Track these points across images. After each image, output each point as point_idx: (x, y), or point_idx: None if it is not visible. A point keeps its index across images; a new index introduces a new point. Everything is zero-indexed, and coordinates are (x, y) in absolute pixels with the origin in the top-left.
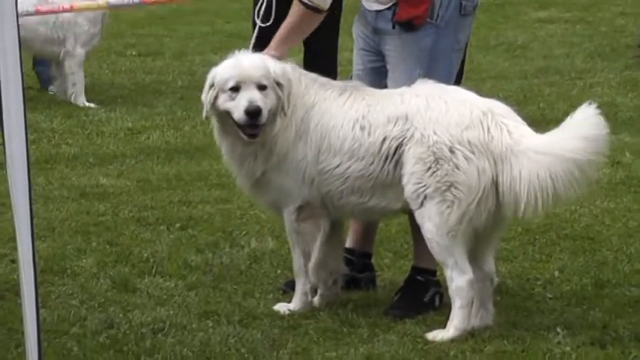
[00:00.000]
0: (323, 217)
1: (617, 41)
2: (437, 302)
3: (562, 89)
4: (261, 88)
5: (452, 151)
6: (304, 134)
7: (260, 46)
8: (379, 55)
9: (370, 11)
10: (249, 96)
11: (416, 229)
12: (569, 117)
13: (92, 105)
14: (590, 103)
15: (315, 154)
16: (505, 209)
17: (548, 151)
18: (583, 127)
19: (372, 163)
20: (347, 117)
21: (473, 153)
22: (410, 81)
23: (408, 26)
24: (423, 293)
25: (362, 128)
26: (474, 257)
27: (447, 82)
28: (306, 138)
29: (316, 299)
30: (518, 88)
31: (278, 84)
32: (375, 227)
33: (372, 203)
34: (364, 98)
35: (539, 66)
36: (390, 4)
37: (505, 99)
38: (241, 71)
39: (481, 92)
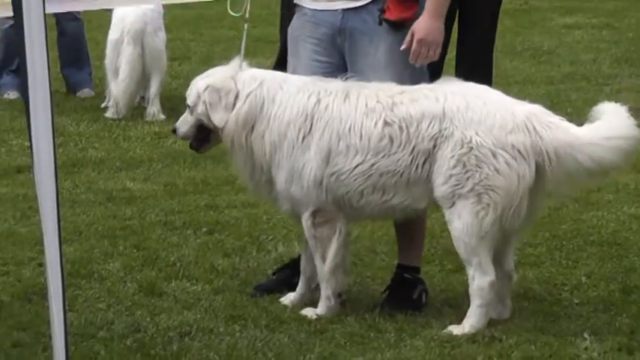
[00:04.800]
0: (340, 220)
1: None
2: (424, 299)
3: (589, 95)
4: (189, 107)
5: (494, 155)
6: (304, 143)
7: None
8: (335, 60)
9: (333, 11)
10: None
11: (400, 228)
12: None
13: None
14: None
15: (324, 158)
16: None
17: (615, 135)
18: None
19: (400, 159)
20: (365, 115)
21: (515, 159)
22: (400, 83)
23: (399, 26)
24: (412, 291)
25: (389, 124)
26: (496, 256)
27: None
28: (307, 145)
29: (319, 310)
30: (545, 93)
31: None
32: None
33: (395, 201)
34: (378, 94)
35: (565, 72)
36: (368, 1)
37: (533, 104)
38: None
39: (510, 97)
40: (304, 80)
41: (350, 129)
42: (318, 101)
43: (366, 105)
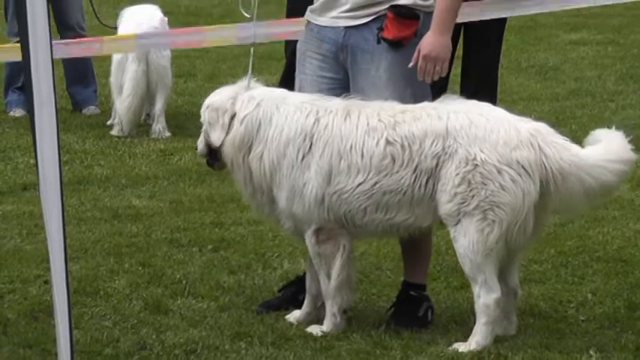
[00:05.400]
0: (343, 237)
1: None
2: (429, 316)
3: (594, 111)
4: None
5: (499, 172)
6: (304, 162)
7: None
8: (340, 76)
9: (335, 28)
10: None
11: (405, 246)
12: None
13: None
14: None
15: (325, 177)
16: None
17: (618, 159)
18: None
19: (403, 177)
20: (367, 134)
21: (520, 175)
22: (401, 101)
23: (397, 44)
24: (418, 308)
25: (391, 143)
26: (501, 272)
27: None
28: (308, 164)
29: (325, 327)
30: (550, 110)
31: None
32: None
33: (398, 219)
34: (380, 113)
35: (570, 88)
36: (369, 19)
37: (538, 121)
38: None
39: (514, 114)
40: (303, 99)
41: (351, 148)
42: (317, 120)
43: (368, 124)
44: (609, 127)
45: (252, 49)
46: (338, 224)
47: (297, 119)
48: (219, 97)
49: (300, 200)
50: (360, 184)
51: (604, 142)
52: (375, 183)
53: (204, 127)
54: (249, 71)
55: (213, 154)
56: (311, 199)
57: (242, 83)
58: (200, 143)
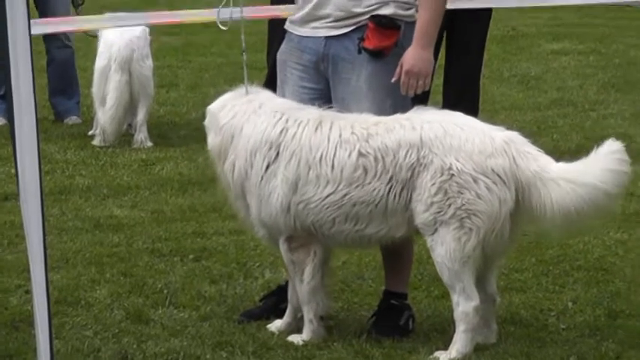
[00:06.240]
0: (315, 244)
1: (631, 73)
2: (411, 325)
3: (575, 121)
4: None
5: (475, 180)
6: (270, 171)
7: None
8: (322, 87)
9: (316, 38)
10: None
11: (386, 255)
12: (595, 150)
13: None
14: (615, 139)
15: (291, 187)
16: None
17: (577, 180)
18: (609, 160)
19: (376, 189)
20: (339, 145)
21: (495, 184)
22: (381, 112)
23: (378, 54)
24: (399, 316)
25: (363, 155)
26: (478, 280)
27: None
28: (274, 173)
29: (304, 335)
30: (532, 119)
31: None
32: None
33: (369, 231)
34: (353, 126)
35: (552, 97)
36: (349, 29)
37: (519, 130)
38: None
39: (495, 123)
40: (275, 109)
41: (321, 158)
42: (285, 130)
43: (340, 135)
44: (590, 137)
45: (244, 55)
46: (306, 232)
47: (264, 129)
48: (216, 104)
49: (267, 208)
50: (329, 195)
51: (583, 161)
52: (346, 194)
53: None
54: (245, 79)
55: None
56: (277, 208)
57: (239, 91)
58: None
